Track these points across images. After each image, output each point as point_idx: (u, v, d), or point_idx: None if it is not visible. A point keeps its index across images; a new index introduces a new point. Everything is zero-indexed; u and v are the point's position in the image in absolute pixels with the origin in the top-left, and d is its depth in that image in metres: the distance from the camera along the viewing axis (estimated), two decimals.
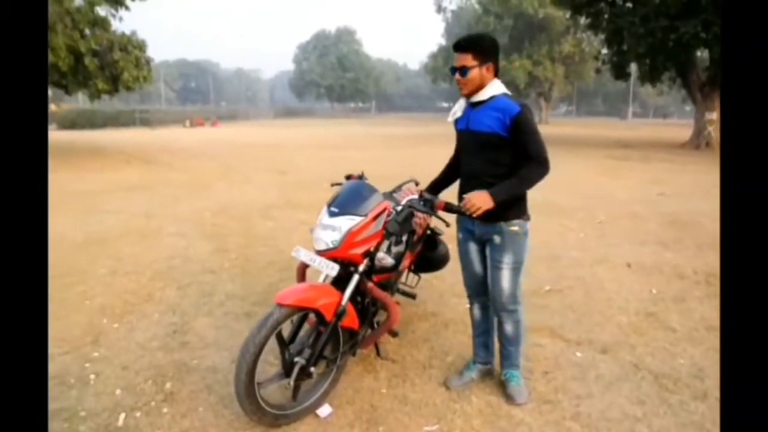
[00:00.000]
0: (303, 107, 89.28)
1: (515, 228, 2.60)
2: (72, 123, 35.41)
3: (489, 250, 2.69)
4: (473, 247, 2.81)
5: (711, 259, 5.18)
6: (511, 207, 2.57)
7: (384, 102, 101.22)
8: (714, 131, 19.79)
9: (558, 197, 8.84)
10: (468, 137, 2.64)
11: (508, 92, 2.56)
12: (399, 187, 3.47)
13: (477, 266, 2.82)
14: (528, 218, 2.68)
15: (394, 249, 2.98)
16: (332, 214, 2.61)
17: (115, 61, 15.05)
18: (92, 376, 2.96)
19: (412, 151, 18.23)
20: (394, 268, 3.01)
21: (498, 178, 2.49)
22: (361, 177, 3.10)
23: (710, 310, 3.93)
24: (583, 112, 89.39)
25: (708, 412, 2.63)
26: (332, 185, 3.13)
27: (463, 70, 2.50)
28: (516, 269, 2.65)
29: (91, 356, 3.19)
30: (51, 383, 2.85)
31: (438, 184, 3.02)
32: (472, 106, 2.60)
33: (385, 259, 2.85)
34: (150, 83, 17.82)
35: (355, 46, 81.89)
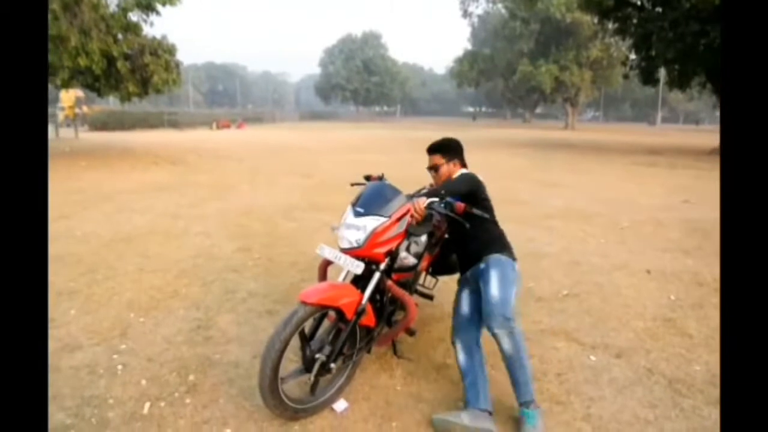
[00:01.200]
0: (328, 110, 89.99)
1: (497, 255, 2.88)
2: (103, 124, 36.26)
3: (480, 281, 2.83)
4: (466, 290, 3.00)
5: None
6: (489, 246, 2.94)
7: (409, 106, 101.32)
8: None
9: (581, 203, 8.83)
10: None
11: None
12: (419, 191, 3.54)
13: (465, 306, 2.95)
14: (513, 257, 2.96)
15: (414, 249, 3.06)
16: (357, 214, 2.69)
17: (145, 65, 15.39)
18: (120, 367, 3.09)
19: None
20: (414, 268, 3.08)
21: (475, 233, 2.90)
22: (380, 178, 3.18)
23: None
24: (610, 117, 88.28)
25: None
26: (352, 185, 3.22)
27: (435, 167, 3.17)
28: (503, 280, 2.73)
29: (119, 348, 3.33)
30: (82, 372, 3.00)
31: None
32: None
33: (407, 258, 2.93)
34: (179, 86, 18.10)
35: (381, 50, 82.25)
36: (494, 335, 2.63)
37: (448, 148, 3.18)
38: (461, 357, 2.79)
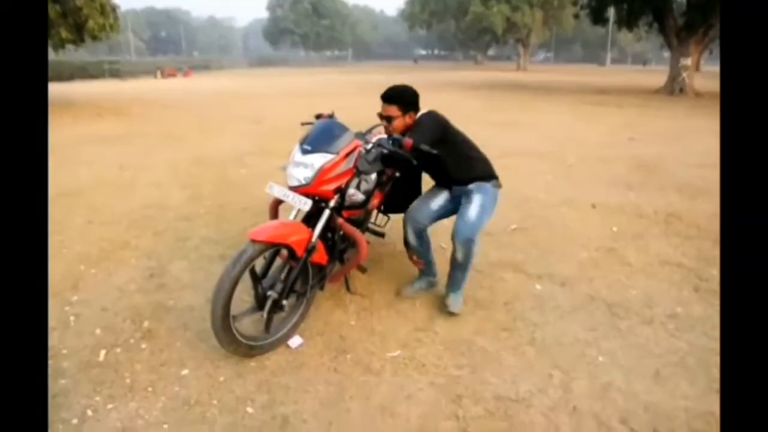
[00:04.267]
0: (278, 56, 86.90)
1: (487, 185, 3.07)
2: None
3: (463, 198, 3.02)
4: (444, 193, 3.17)
5: (671, 200, 5.40)
6: (476, 171, 3.08)
7: (361, 50, 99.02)
8: (688, 77, 19.89)
9: (531, 142, 8.99)
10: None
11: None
12: (370, 130, 3.55)
13: (433, 201, 3.18)
14: (499, 185, 3.14)
15: (364, 186, 3.09)
16: (305, 152, 2.68)
17: (78, 9, 14.38)
18: (72, 318, 3.06)
19: None
20: (364, 205, 3.12)
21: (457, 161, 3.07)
22: (331, 116, 3.17)
23: (665, 247, 4.15)
24: (561, 58, 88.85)
25: (652, 335, 2.85)
26: (302, 124, 3.20)
27: (389, 119, 3.00)
28: (484, 208, 2.96)
29: (71, 300, 3.29)
30: None
31: None
32: None
33: (355, 195, 2.97)
34: (117, 32, 17.08)
35: None
36: (454, 245, 2.95)
37: (405, 101, 3.00)
38: (411, 238, 3.17)
